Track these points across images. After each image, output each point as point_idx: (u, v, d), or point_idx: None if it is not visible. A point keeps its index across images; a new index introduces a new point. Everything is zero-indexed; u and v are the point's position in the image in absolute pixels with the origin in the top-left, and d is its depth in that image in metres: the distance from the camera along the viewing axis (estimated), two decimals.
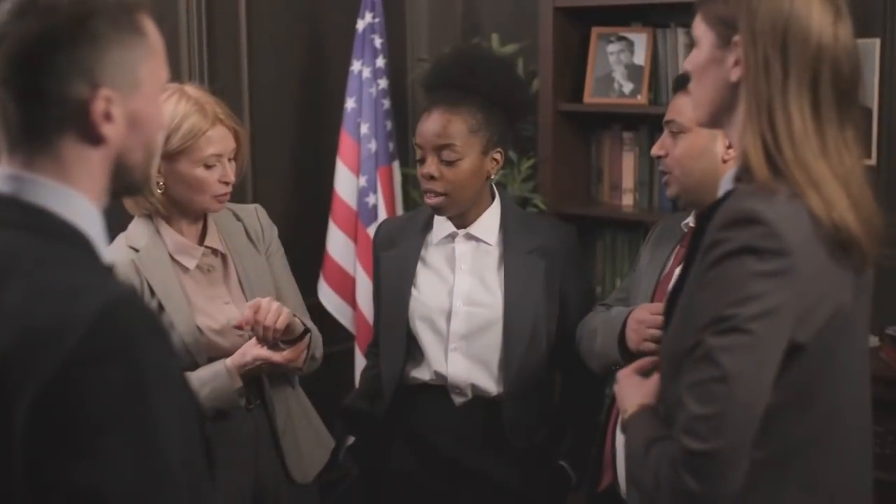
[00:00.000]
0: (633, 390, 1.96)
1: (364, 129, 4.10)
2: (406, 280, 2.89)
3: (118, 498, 1.25)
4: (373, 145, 4.09)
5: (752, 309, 1.63)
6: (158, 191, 2.65)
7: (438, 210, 2.81)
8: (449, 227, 2.87)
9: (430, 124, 2.76)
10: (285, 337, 2.69)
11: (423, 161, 2.78)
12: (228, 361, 2.71)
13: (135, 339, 1.29)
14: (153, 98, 1.49)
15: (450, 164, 2.74)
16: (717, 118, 1.83)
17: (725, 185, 1.82)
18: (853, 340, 1.80)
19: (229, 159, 2.71)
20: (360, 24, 4.10)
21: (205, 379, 2.68)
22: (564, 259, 2.88)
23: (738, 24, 1.74)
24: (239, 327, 2.65)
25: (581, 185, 4.09)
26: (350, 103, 4.12)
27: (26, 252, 1.36)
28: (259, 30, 4.20)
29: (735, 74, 1.75)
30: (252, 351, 2.69)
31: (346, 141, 4.14)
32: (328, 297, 4.20)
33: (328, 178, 4.18)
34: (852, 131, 1.76)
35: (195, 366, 2.71)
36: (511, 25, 4.24)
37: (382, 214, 4.05)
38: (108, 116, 1.41)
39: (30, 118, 1.40)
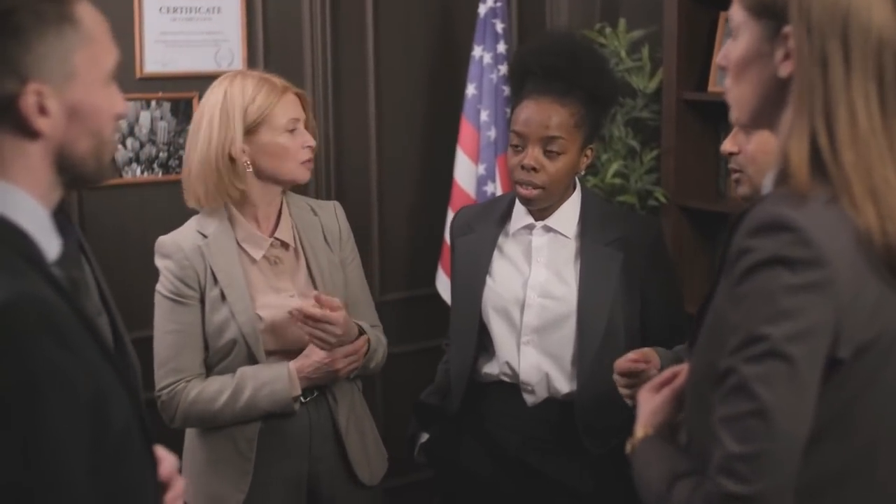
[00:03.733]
0: (642, 410, 1.81)
1: (484, 116, 4.01)
2: (481, 268, 2.81)
3: (8, 491, 1.25)
4: (492, 133, 4.00)
5: (786, 328, 1.47)
6: (247, 170, 2.68)
7: (531, 202, 2.71)
8: (527, 217, 2.77)
9: (537, 114, 2.66)
10: (343, 338, 2.70)
11: (520, 150, 2.68)
12: (292, 365, 2.71)
13: (28, 340, 1.27)
14: (95, 86, 1.46)
15: (553, 157, 2.65)
16: (761, 118, 1.65)
17: (765, 189, 1.66)
18: None
19: (304, 126, 2.76)
20: (482, 9, 4.01)
21: (265, 380, 2.69)
22: (646, 253, 2.74)
23: (789, 13, 1.55)
24: (297, 313, 2.64)
25: (706, 178, 3.88)
26: (471, 89, 4.04)
27: None
28: (385, 14, 4.17)
29: (785, 70, 1.57)
30: (316, 354, 2.70)
31: (466, 128, 4.06)
32: (446, 286, 4.13)
33: (449, 165, 4.11)
34: None
35: (252, 358, 2.71)
36: (640, 10, 4.07)
37: None
38: (42, 110, 1.40)
39: None
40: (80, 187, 1.57)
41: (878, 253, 1.52)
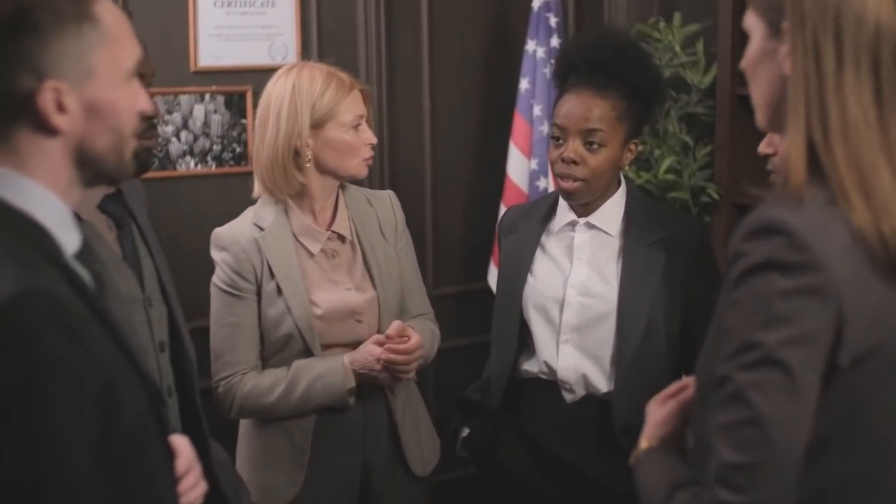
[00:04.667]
0: (648, 422, 1.79)
1: (536, 110, 4.00)
2: (523, 266, 2.80)
3: (12, 486, 1.27)
4: (545, 128, 3.97)
5: (780, 334, 1.44)
6: (308, 164, 2.70)
7: (572, 196, 2.70)
8: (570, 214, 2.76)
9: (578, 107, 2.65)
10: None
11: (561, 143, 2.67)
12: (347, 358, 2.72)
13: (34, 333, 1.29)
14: (115, 84, 1.47)
15: (593, 150, 2.64)
16: (776, 119, 1.61)
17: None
18: None
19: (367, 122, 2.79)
20: (536, 3, 3.99)
21: (319, 373, 2.70)
22: (690, 254, 2.70)
23: (785, 7, 1.53)
24: (378, 343, 2.71)
25: (760, 175, 3.80)
26: (524, 84, 4.02)
27: None
28: (440, 7, 4.17)
29: (788, 67, 1.54)
30: (374, 350, 2.71)
31: (519, 123, 4.05)
32: None
33: (502, 160, 4.10)
34: None
35: (308, 352, 2.72)
36: (696, 5, 4.02)
37: None
38: (60, 107, 1.42)
39: None
40: (102, 184, 1.58)
41: (877, 253, 1.48)
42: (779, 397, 1.44)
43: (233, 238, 2.75)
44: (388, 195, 2.96)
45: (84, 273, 1.50)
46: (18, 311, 1.29)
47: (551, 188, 3.95)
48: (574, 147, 2.64)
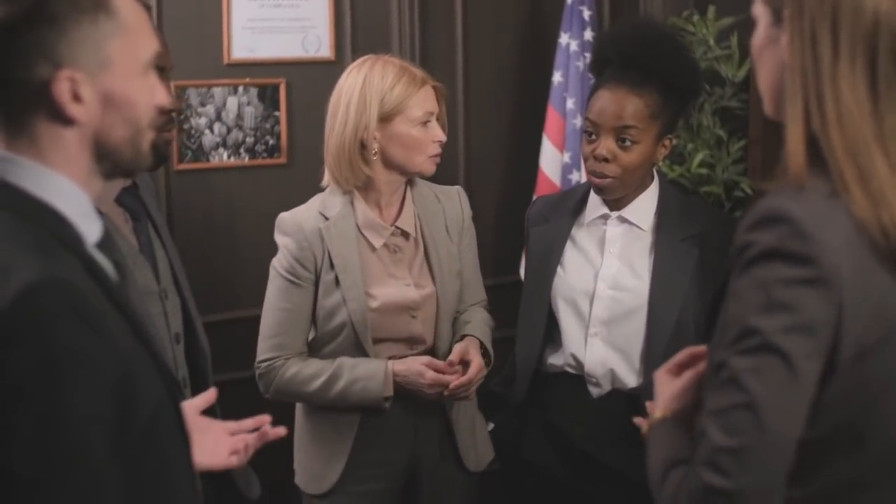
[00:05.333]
0: (661, 392, 1.78)
1: (570, 103, 3.99)
2: (553, 258, 2.80)
3: (25, 475, 1.29)
4: (578, 121, 3.97)
5: (778, 321, 1.43)
6: (374, 157, 2.71)
7: (604, 192, 2.69)
8: (602, 208, 2.75)
9: (612, 104, 2.63)
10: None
11: (594, 139, 2.66)
12: (391, 366, 2.73)
13: (51, 322, 1.30)
14: (131, 76, 1.48)
15: (626, 147, 2.63)
16: (782, 107, 1.59)
17: None
18: None
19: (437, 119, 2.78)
20: None
21: (360, 375, 2.72)
22: (723, 250, 2.67)
23: None
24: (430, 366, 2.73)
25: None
26: (557, 77, 4.01)
27: None
28: (474, 1, 4.16)
29: (788, 54, 1.53)
30: (428, 374, 2.72)
31: (552, 116, 4.04)
32: None
33: (536, 153, 4.09)
34: None
35: (359, 345, 2.74)
36: None
37: None
38: (76, 97, 1.43)
39: (4, 101, 1.44)
40: (121, 176, 1.60)
41: (878, 244, 1.47)
42: (774, 384, 1.43)
43: (297, 225, 2.76)
44: (457, 191, 2.97)
45: (106, 263, 1.51)
46: (37, 300, 1.30)
47: (584, 181, 3.94)
48: (606, 144, 2.62)
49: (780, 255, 1.44)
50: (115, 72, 1.46)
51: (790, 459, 1.46)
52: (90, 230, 1.49)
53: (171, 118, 2.30)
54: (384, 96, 2.68)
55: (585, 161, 2.69)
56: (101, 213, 2.14)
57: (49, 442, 1.29)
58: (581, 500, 2.76)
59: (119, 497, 1.37)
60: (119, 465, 1.37)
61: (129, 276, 1.60)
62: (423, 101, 2.72)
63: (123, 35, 1.46)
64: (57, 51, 1.41)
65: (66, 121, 1.44)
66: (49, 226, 1.43)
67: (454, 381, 2.70)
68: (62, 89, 1.42)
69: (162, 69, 2.22)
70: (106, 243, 1.54)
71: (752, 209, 1.51)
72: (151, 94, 1.52)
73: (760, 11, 1.60)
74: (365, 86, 2.69)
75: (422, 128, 2.72)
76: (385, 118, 2.69)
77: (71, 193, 1.46)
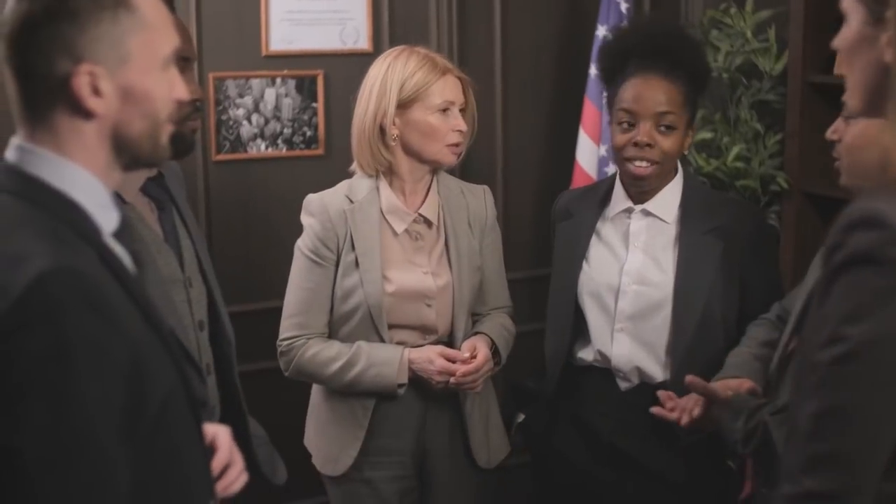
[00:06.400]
0: None
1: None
2: (578, 252, 2.81)
3: (36, 458, 1.32)
4: None
5: (867, 331, 1.43)
6: (392, 143, 2.75)
7: (644, 180, 2.70)
8: (626, 201, 2.76)
9: (649, 90, 2.65)
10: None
11: (630, 128, 2.66)
12: (407, 353, 2.76)
13: (63, 309, 1.34)
14: (150, 71, 1.52)
15: (664, 133, 2.65)
16: (872, 105, 1.59)
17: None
18: None
19: (460, 110, 2.79)
20: None
21: (375, 361, 2.75)
22: (748, 243, 2.69)
23: None
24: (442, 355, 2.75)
25: (831, 164, 3.77)
26: (594, 70, 4.00)
27: (9, 217, 1.44)
28: None
29: (889, 55, 1.52)
30: (437, 361, 2.75)
31: (588, 109, 4.03)
32: None
33: (573, 146, 4.09)
34: None
35: (374, 328, 2.77)
36: None
37: None
38: (95, 91, 1.47)
39: (26, 94, 1.49)
40: (140, 168, 1.63)
41: None
42: (864, 390, 1.44)
43: (322, 206, 2.81)
44: (483, 190, 2.99)
45: (122, 252, 1.55)
46: (49, 288, 1.34)
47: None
48: (646, 130, 2.64)
49: (873, 261, 1.43)
50: (133, 67, 1.49)
51: (882, 461, 1.47)
52: (107, 220, 1.53)
53: (196, 108, 2.34)
54: (404, 83, 2.72)
55: (622, 150, 2.68)
56: (125, 202, 2.20)
57: (59, 426, 1.33)
58: (609, 492, 2.77)
59: (127, 480, 1.40)
60: (128, 450, 1.41)
61: (146, 264, 1.63)
62: (443, 90, 2.75)
63: (143, 31, 1.50)
64: (77, 46, 1.45)
65: (85, 114, 1.48)
66: (66, 215, 1.47)
67: (461, 369, 2.72)
68: (82, 83, 1.46)
69: (186, 59, 2.26)
70: (123, 233, 1.58)
71: (848, 209, 1.50)
72: (170, 89, 1.56)
73: (852, 8, 1.59)
74: (388, 73, 2.74)
75: (440, 116, 2.75)
76: (404, 104, 2.74)
77: (88, 184, 1.50)
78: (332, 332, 2.85)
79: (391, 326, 2.79)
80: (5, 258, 1.37)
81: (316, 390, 2.95)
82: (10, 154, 1.50)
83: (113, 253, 1.51)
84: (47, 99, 1.47)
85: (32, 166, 1.48)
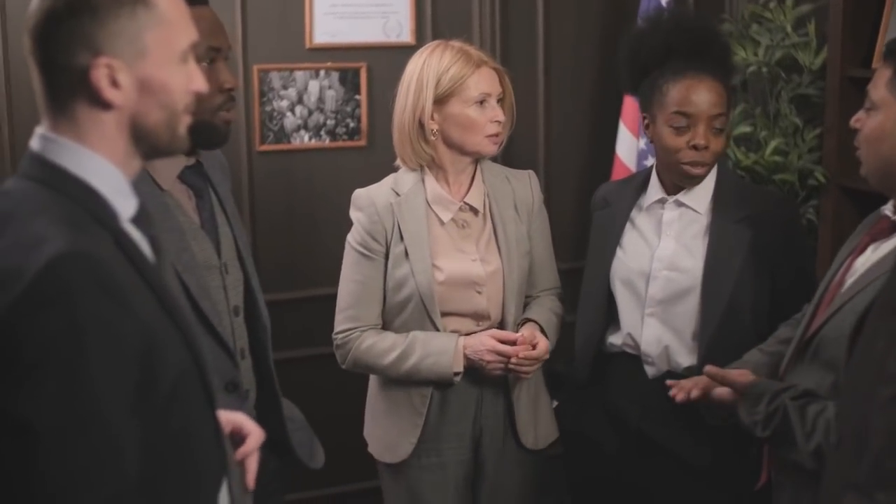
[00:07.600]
0: None
1: None
2: (612, 240, 2.87)
3: (46, 430, 1.38)
4: None
5: None
6: (433, 137, 2.81)
7: (695, 180, 2.75)
8: (661, 192, 2.81)
9: (706, 93, 2.69)
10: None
11: (686, 130, 2.69)
12: (461, 342, 2.81)
13: (75, 291, 1.40)
14: (167, 64, 1.58)
15: (717, 133, 2.71)
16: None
17: None
18: None
19: (497, 100, 2.83)
20: None
21: (431, 350, 2.81)
22: (778, 232, 2.73)
23: None
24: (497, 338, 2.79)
25: None
26: None
27: (31, 202, 1.52)
28: None
29: None
30: (487, 343, 2.79)
31: (628, 102, 4.05)
32: None
33: (613, 138, 4.13)
34: None
35: (427, 317, 2.83)
36: None
37: None
38: (114, 83, 1.54)
39: (49, 85, 1.57)
40: (158, 157, 1.70)
41: None
42: None
43: (370, 200, 2.87)
44: (528, 175, 3.03)
45: (140, 238, 1.61)
46: (62, 271, 1.40)
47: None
48: (703, 133, 2.68)
49: None
50: (151, 60, 1.56)
51: None
52: (125, 206, 1.60)
53: (232, 97, 2.37)
54: (440, 78, 2.78)
55: (677, 153, 2.70)
56: (162, 189, 2.26)
57: (69, 401, 1.39)
58: (639, 478, 2.81)
59: (136, 457, 1.46)
60: (138, 428, 1.47)
61: (163, 250, 1.70)
62: (479, 82, 2.79)
63: (160, 26, 1.57)
64: (96, 39, 1.52)
65: (104, 105, 1.55)
66: (84, 201, 1.54)
67: (520, 352, 2.76)
68: (100, 75, 1.53)
69: (217, 50, 2.31)
70: (142, 219, 1.64)
71: None
72: (188, 81, 1.62)
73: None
74: (423, 69, 2.80)
75: (478, 108, 2.79)
76: (441, 99, 2.79)
77: (107, 172, 1.57)
78: (386, 323, 2.90)
79: (444, 314, 2.84)
80: (23, 242, 1.44)
81: (372, 381, 3.01)
82: (35, 143, 1.58)
83: (129, 238, 1.57)
84: (68, 90, 1.55)
85: (53, 154, 1.55)
